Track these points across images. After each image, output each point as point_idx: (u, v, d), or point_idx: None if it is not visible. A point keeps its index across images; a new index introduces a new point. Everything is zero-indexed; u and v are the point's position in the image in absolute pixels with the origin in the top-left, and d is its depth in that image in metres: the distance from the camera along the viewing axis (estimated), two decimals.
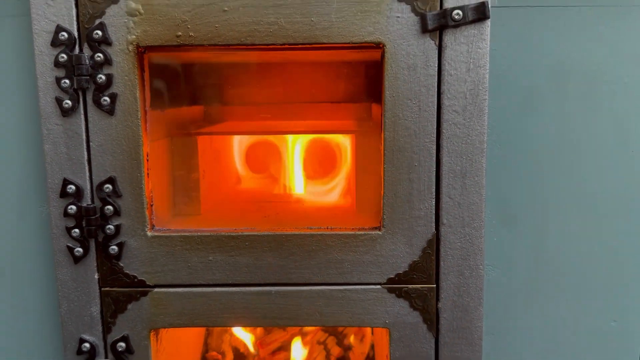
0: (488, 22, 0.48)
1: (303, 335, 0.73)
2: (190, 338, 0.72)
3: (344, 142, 0.72)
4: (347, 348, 0.72)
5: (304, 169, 0.73)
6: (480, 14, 0.48)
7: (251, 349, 0.73)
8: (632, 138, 0.53)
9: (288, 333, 0.73)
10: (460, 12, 0.48)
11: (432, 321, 0.53)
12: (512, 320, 0.56)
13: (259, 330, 0.75)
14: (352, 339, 0.73)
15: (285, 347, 0.73)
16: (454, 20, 0.48)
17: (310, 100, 0.70)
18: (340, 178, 0.74)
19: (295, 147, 0.72)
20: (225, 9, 0.49)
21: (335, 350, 0.71)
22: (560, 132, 0.53)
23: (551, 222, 0.54)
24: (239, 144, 0.74)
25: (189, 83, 0.65)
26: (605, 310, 0.56)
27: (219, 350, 0.75)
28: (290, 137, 0.71)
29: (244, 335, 0.74)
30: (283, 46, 0.50)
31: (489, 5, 0.48)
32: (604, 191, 0.54)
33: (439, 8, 0.48)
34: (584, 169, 0.54)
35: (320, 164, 0.76)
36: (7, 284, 0.56)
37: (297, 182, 0.73)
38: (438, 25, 0.48)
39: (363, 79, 0.64)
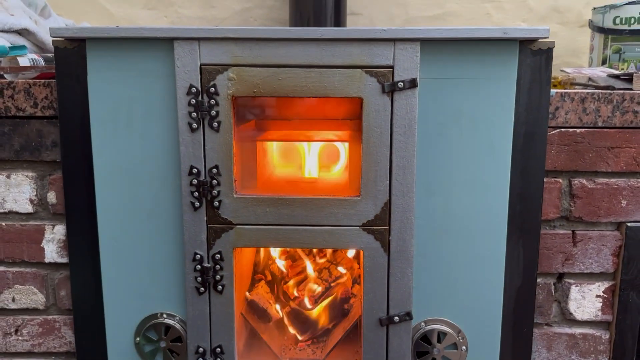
0: (417, 88, 0.90)
1: (316, 264, 1.17)
2: (247, 264, 1.16)
3: (344, 146, 1.16)
4: (343, 271, 1.16)
5: (319, 162, 1.17)
6: (413, 84, 0.90)
7: (284, 270, 1.17)
8: (497, 150, 0.94)
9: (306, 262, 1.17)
10: (402, 83, 0.90)
11: (386, 247, 0.96)
12: (431, 248, 0.97)
13: (289, 261, 1.19)
14: (344, 265, 1.17)
15: (304, 271, 1.17)
16: (398, 87, 0.90)
17: (324, 118, 1.13)
18: (341, 168, 1.18)
19: (314, 149, 1.16)
20: (279, 78, 0.91)
21: (335, 272, 1.15)
22: (457, 143, 0.94)
23: (453, 194, 0.95)
24: (279, 146, 1.18)
25: (250, 110, 1.09)
26: (482, 246, 0.97)
27: (263, 273, 1.20)
28: (311, 143, 1.15)
29: (279, 263, 1.18)
30: (309, 97, 0.93)
31: (418, 79, 0.90)
32: (481, 176, 0.95)
33: (391, 80, 0.91)
34: (470, 164, 0.95)
35: (330, 159, 1.20)
36: (154, 223, 0.99)
37: (314, 170, 1.17)
38: (391, 90, 0.91)
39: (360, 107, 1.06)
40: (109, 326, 1.04)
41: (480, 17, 1.57)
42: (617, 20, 1.32)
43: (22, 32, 1.25)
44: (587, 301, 1.05)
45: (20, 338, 1.10)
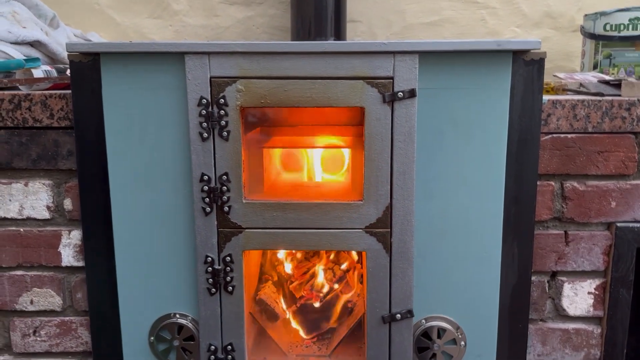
0: (416, 98, 0.95)
1: (320, 264, 1.22)
2: (254, 265, 1.21)
3: (347, 151, 1.21)
4: (346, 271, 1.21)
5: (322, 167, 1.22)
6: (412, 94, 0.95)
7: (289, 272, 1.23)
8: (492, 156, 0.99)
9: (312, 263, 1.22)
10: (401, 93, 0.95)
11: (388, 248, 1.01)
12: (430, 249, 1.02)
13: (294, 262, 1.24)
14: (347, 265, 1.22)
15: (309, 272, 1.22)
16: (398, 97, 0.95)
17: (327, 124, 1.18)
18: (344, 173, 1.23)
19: (318, 154, 1.21)
20: (285, 90, 0.96)
21: (338, 272, 1.20)
22: (454, 149, 0.99)
23: (450, 198, 1.01)
24: (285, 152, 1.23)
25: (256, 116, 1.14)
26: (479, 246, 1.03)
27: (269, 274, 1.25)
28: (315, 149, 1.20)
29: (286, 265, 1.23)
30: (314, 107, 0.98)
31: (417, 89, 0.95)
32: (477, 181, 1.00)
33: (392, 91, 0.96)
34: (467, 169, 1.00)
35: (333, 164, 1.25)
36: (167, 228, 1.04)
37: (318, 175, 1.22)
38: (391, 100, 0.96)
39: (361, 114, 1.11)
40: (124, 326, 1.09)
41: (476, 23, 1.62)
42: (607, 27, 1.37)
43: (34, 44, 1.30)
44: (579, 298, 1.11)
45: (38, 339, 1.15)
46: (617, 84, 1.13)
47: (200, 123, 0.97)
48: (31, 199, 1.09)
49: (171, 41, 0.98)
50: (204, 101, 0.96)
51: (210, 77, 0.96)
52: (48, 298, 1.13)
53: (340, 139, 1.14)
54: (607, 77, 1.25)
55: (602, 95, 1.09)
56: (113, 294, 1.08)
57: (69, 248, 1.11)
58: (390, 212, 0.99)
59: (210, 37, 1.62)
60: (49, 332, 1.15)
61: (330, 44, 0.94)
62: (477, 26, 1.63)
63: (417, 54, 0.94)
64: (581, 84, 1.21)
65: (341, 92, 0.96)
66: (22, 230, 1.11)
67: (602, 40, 1.39)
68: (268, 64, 0.96)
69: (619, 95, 1.07)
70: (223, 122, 0.97)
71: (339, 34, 1.50)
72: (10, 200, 1.09)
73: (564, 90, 1.21)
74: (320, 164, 1.22)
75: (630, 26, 1.35)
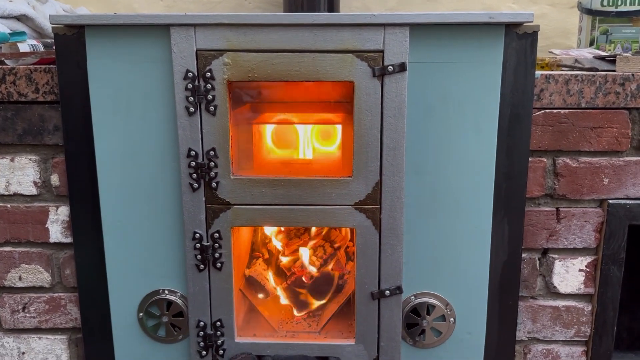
0: (407, 72, 0.94)
1: (311, 241, 1.21)
2: (244, 243, 1.20)
3: (337, 127, 1.19)
4: (336, 249, 1.20)
5: (313, 144, 1.20)
6: (402, 68, 0.94)
7: (280, 248, 1.22)
8: (483, 131, 0.98)
9: (302, 240, 1.22)
10: (392, 67, 0.94)
11: (377, 225, 1.00)
12: (420, 225, 1.02)
13: (284, 240, 1.23)
14: (338, 243, 1.21)
15: (300, 249, 1.22)
16: (388, 71, 0.94)
17: (317, 101, 1.16)
18: (335, 149, 1.21)
19: (307, 130, 1.19)
20: (273, 63, 0.95)
21: (329, 250, 1.20)
22: (445, 124, 0.97)
23: (441, 174, 0.99)
24: (274, 128, 1.21)
25: (245, 92, 1.12)
26: (469, 223, 1.02)
27: (260, 251, 1.24)
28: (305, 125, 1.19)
29: (276, 242, 1.23)
30: (302, 81, 0.96)
31: (407, 63, 0.94)
32: (468, 156, 0.98)
33: (381, 64, 0.94)
34: (458, 145, 1.00)
35: (323, 141, 1.23)
36: (155, 204, 1.03)
37: (308, 151, 1.20)
38: (381, 73, 0.94)
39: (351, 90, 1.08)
40: (113, 303, 1.08)
41: None
42: (605, 2, 1.35)
43: (20, 18, 1.27)
44: (570, 275, 1.10)
45: (27, 315, 1.15)
46: (612, 60, 1.12)
47: (187, 97, 0.96)
48: (17, 174, 1.08)
49: (156, 13, 0.95)
50: (190, 75, 0.95)
51: (197, 50, 0.94)
52: (37, 274, 1.13)
53: (330, 115, 1.13)
54: (602, 53, 1.23)
55: (596, 70, 1.07)
56: (102, 270, 1.08)
57: (56, 224, 1.10)
58: (380, 189, 0.98)
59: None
60: (38, 309, 1.14)
61: (319, 16, 0.92)
62: (473, 2, 1.60)
63: (407, 27, 0.92)
64: (576, 60, 1.19)
65: (330, 66, 0.94)
66: (9, 206, 1.09)
67: (599, 15, 1.36)
68: (255, 36, 0.94)
69: (614, 71, 1.06)
70: (210, 97, 0.95)
71: (332, 10, 1.48)
72: None
73: (559, 66, 1.19)
74: (310, 140, 1.21)
75: (628, 1, 1.32)
